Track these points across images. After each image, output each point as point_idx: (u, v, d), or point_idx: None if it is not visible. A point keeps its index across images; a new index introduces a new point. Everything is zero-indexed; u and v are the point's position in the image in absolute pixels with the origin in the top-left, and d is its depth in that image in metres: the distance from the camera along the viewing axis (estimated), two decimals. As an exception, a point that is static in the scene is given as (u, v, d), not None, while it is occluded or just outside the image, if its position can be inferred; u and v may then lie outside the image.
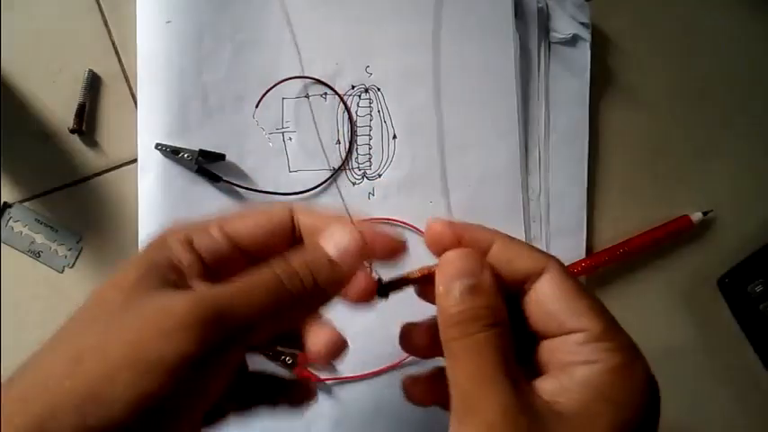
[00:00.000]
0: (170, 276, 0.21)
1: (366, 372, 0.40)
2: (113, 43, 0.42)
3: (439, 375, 0.25)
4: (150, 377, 0.18)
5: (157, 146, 0.40)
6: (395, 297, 0.26)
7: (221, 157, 0.40)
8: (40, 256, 0.41)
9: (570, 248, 0.43)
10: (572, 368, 0.21)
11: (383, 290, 0.25)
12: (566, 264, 0.42)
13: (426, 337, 0.25)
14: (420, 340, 0.25)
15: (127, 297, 0.20)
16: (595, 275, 0.43)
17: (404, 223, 0.42)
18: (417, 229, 0.41)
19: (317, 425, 0.40)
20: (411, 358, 0.40)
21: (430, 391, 0.26)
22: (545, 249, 0.43)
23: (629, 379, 0.21)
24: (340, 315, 0.41)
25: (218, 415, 0.26)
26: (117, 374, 0.18)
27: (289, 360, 0.39)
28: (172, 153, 0.40)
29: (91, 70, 0.41)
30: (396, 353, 0.40)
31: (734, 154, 0.45)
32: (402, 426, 0.41)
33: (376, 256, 0.24)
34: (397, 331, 0.26)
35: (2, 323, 0.40)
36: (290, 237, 0.24)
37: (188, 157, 0.39)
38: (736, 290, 0.43)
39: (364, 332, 0.41)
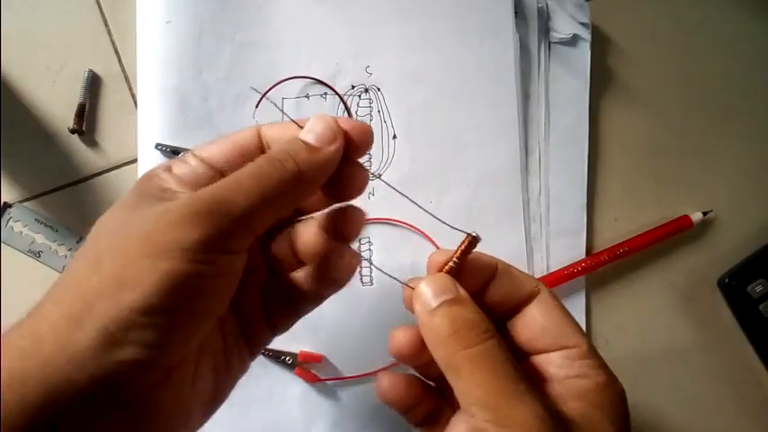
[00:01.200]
0: (165, 197, 0.23)
1: (366, 372, 0.40)
2: (113, 43, 0.42)
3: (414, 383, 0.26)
4: (168, 260, 0.20)
5: (157, 146, 0.40)
6: (394, 298, 0.26)
7: None
8: (40, 256, 0.41)
9: (570, 248, 0.43)
10: (569, 381, 0.24)
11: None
12: (566, 264, 0.42)
13: (414, 345, 0.25)
14: (408, 348, 0.26)
15: (131, 211, 0.22)
16: (595, 275, 0.43)
17: (404, 223, 0.42)
18: (418, 230, 0.41)
19: (317, 425, 0.40)
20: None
21: (406, 396, 0.27)
22: (545, 249, 0.43)
23: (615, 394, 0.24)
24: (340, 316, 0.41)
25: (268, 329, 0.28)
26: (138, 262, 0.20)
27: (288, 360, 0.39)
28: (172, 153, 0.40)
29: (91, 70, 0.41)
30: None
31: (734, 154, 0.45)
32: (401, 426, 0.41)
33: (349, 140, 0.25)
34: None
35: (2, 323, 0.40)
36: (259, 149, 0.26)
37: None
38: (736, 290, 0.43)
39: (364, 332, 0.41)
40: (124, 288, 0.20)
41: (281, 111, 0.42)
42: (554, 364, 0.24)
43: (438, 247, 0.41)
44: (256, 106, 0.41)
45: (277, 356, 0.39)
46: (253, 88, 0.41)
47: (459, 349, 0.22)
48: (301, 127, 0.25)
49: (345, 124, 0.25)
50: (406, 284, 0.25)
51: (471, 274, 0.25)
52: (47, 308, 0.22)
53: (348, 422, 0.41)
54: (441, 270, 0.25)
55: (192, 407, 0.23)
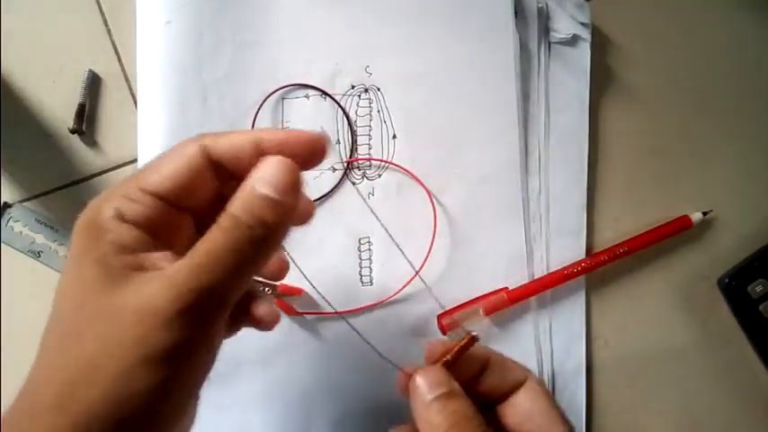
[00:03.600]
0: (125, 260, 0.21)
1: (348, 309, 0.41)
2: (113, 43, 0.42)
3: None
4: (164, 366, 0.20)
5: None
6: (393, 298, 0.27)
7: None
8: (40, 256, 0.41)
9: (570, 248, 0.43)
10: None
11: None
12: (566, 264, 0.42)
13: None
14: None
15: (100, 299, 0.21)
16: (595, 275, 0.43)
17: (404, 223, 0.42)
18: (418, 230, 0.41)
19: (318, 424, 0.41)
20: (391, 298, 0.41)
21: None
22: (545, 249, 0.43)
23: None
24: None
25: None
26: (136, 372, 0.20)
27: (268, 291, 0.38)
28: None
29: (91, 70, 0.41)
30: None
31: (734, 154, 0.45)
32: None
33: (307, 163, 0.24)
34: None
35: (2, 323, 0.40)
36: (210, 169, 0.24)
37: None
38: (736, 290, 0.43)
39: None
40: (122, 403, 0.20)
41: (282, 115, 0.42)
42: None
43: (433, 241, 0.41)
44: (257, 112, 0.41)
45: (256, 286, 0.39)
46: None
47: None
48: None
49: (289, 139, 0.23)
50: (402, 369, 0.27)
51: (466, 365, 0.27)
52: (52, 416, 0.21)
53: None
54: (437, 361, 0.27)
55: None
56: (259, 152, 0.23)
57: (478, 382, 0.28)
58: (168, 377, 0.20)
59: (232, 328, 0.27)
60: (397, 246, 0.41)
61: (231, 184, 0.23)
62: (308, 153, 0.24)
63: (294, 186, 0.22)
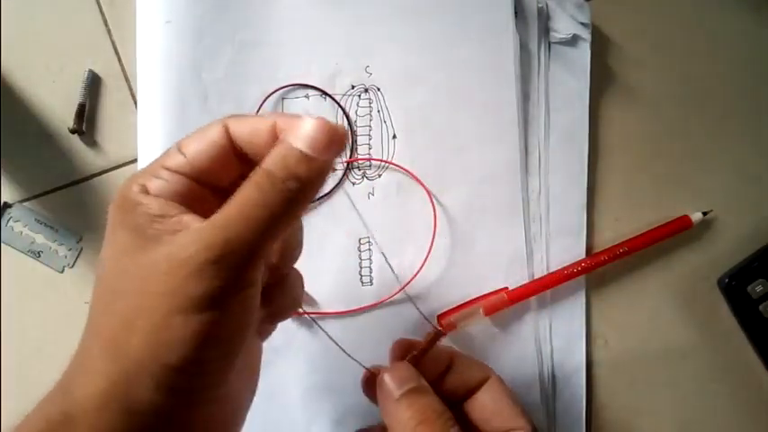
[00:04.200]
0: (157, 227, 0.22)
1: (349, 309, 0.41)
2: (113, 43, 0.42)
3: None
4: (198, 313, 0.20)
5: None
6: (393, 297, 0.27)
7: None
8: (40, 256, 0.41)
9: (570, 248, 0.43)
10: None
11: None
12: (566, 264, 0.42)
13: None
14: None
15: (136, 256, 0.21)
16: (595, 275, 0.43)
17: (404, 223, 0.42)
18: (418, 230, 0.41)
19: (319, 424, 0.40)
20: (391, 298, 0.41)
21: None
22: (545, 249, 0.43)
23: None
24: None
25: None
26: (170, 320, 0.20)
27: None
28: None
29: (91, 70, 0.41)
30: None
31: (734, 154, 0.45)
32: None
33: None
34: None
35: (2, 323, 0.40)
36: (231, 148, 0.24)
37: None
38: (736, 290, 0.43)
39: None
40: (164, 346, 0.20)
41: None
42: None
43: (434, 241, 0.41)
44: (257, 112, 0.41)
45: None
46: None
47: None
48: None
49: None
50: (368, 369, 0.27)
51: (431, 364, 0.28)
52: (79, 382, 0.22)
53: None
54: (403, 358, 0.27)
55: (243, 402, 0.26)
56: (276, 137, 0.23)
57: (443, 381, 0.28)
58: (204, 326, 0.20)
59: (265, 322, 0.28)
60: (384, 255, 0.41)
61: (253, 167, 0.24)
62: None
63: (329, 146, 0.22)
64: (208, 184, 0.24)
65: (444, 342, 0.41)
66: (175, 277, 0.20)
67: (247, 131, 0.24)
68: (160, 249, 0.21)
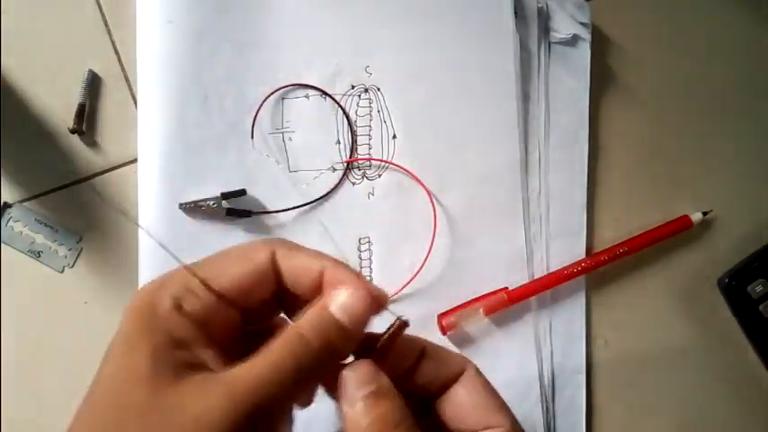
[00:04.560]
0: (179, 356, 0.21)
1: None
2: (113, 43, 0.42)
3: None
4: None
5: (181, 206, 0.40)
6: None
7: (242, 192, 0.40)
8: (40, 256, 0.41)
9: (570, 248, 0.43)
10: None
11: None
12: (566, 264, 0.42)
13: None
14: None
15: (150, 392, 0.20)
16: (595, 275, 0.43)
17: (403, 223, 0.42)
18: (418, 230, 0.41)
19: (319, 424, 0.41)
20: (391, 298, 0.40)
21: None
22: (545, 249, 0.43)
23: None
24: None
25: None
26: None
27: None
28: (196, 207, 0.40)
29: (91, 70, 0.41)
30: None
31: (734, 154, 0.45)
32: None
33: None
34: None
35: (2, 323, 0.40)
36: (274, 279, 0.24)
37: (213, 204, 0.40)
38: (736, 290, 0.43)
39: None
40: None
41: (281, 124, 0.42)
42: None
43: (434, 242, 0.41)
44: (256, 113, 0.41)
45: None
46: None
47: None
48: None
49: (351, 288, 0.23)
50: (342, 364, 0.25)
51: (399, 356, 0.25)
52: None
53: None
54: (365, 352, 0.24)
55: None
56: (321, 281, 0.23)
57: (413, 375, 0.26)
58: None
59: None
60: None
61: (286, 290, 0.24)
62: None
63: (366, 317, 0.23)
64: (239, 306, 0.23)
65: (445, 342, 0.41)
66: None
67: (295, 269, 0.24)
68: (183, 398, 0.20)
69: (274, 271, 0.23)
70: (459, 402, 0.26)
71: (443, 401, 0.26)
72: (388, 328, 0.24)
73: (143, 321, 0.21)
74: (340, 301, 0.22)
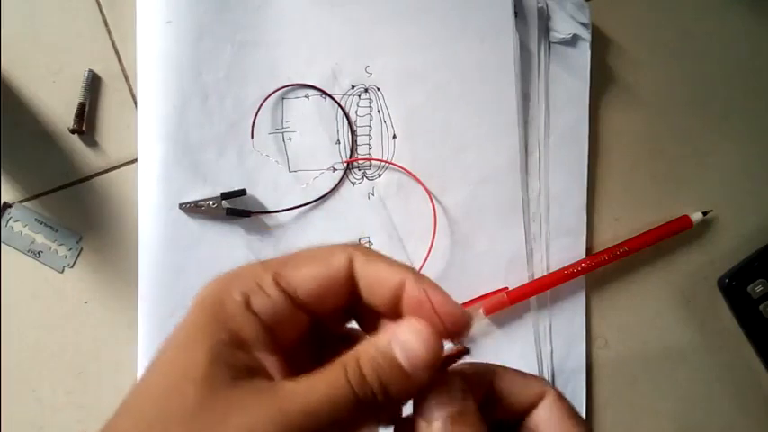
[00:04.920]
0: (239, 358, 0.20)
1: None
2: (113, 43, 0.42)
3: None
4: None
5: (181, 206, 0.40)
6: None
7: (242, 192, 0.40)
8: (40, 256, 0.41)
9: (570, 248, 0.43)
10: None
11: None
12: (566, 264, 0.42)
13: None
14: None
15: (202, 393, 0.19)
16: (595, 275, 0.43)
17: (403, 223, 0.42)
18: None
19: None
20: None
21: None
22: (545, 249, 0.43)
23: None
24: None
25: None
26: None
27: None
28: (196, 207, 0.40)
29: (91, 70, 0.41)
30: None
31: (734, 154, 0.45)
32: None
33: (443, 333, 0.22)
34: None
35: (2, 323, 0.40)
36: (349, 286, 0.22)
37: (213, 204, 0.40)
38: (736, 290, 0.43)
39: None
40: None
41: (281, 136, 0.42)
42: None
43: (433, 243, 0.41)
44: (256, 113, 0.41)
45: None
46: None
47: None
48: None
49: (439, 305, 0.21)
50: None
51: (467, 382, 0.23)
52: None
53: None
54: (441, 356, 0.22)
55: None
56: (400, 294, 0.21)
57: (486, 404, 0.23)
58: None
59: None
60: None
61: (361, 298, 0.22)
62: (448, 326, 0.21)
63: (430, 363, 0.20)
64: (310, 311, 0.22)
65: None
66: None
67: (373, 278, 0.22)
68: (233, 405, 0.19)
69: (350, 277, 0.22)
70: (540, 427, 0.23)
71: (524, 429, 0.24)
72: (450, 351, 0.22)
73: (208, 315, 0.20)
74: (401, 337, 0.20)
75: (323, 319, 0.22)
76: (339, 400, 0.19)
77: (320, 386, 0.19)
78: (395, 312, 0.22)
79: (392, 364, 0.19)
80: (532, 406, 0.24)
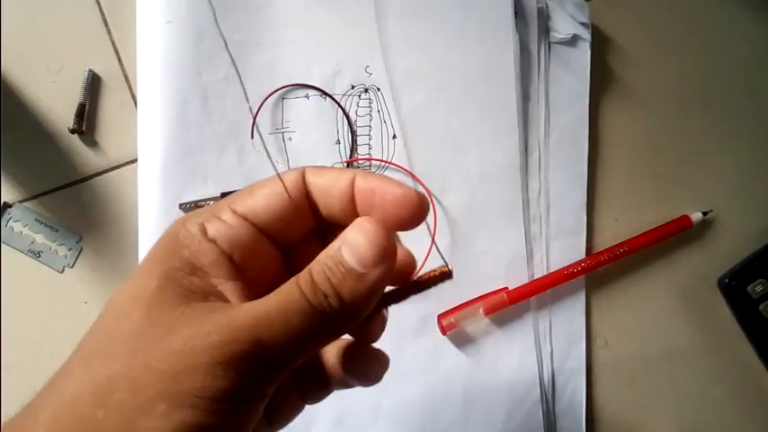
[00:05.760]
0: (193, 282, 0.20)
1: None
2: (113, 43, 0.42)
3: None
4: (187, 410, 0.17)
5: (181, 206, 0.40)
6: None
7: None
8: (40, 256, 0.41)
9: (570, 248, 0.43)
10: None
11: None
12: (566, 264, 0.42)
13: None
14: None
15: (149, 313, 0.19)
16: (595, 275, 0.43)
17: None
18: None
19: (318, 425, 0.40)
20: None
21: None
22: (545, 249, 0.43)
23: None
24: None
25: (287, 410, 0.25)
26: (152, 406, 0.17)
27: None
28: (196, 207, 0.40)
29: (91, 70, 0.41)
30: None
31: (734, 154, 0.45)
32: (402, 424, 0.41)
33: (398, 224, 0.21)
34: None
35: (2, 323, 0.40)
36: (307, 202, 0.22)
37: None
38: (736, 290, 0.43)
39: None
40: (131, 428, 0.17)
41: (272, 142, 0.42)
42: None
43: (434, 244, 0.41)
44: (256, 113, 0.41)
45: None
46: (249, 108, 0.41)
47: None
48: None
49: (389, 193, 0.20)
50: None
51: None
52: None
53: (349, 420, 0.41)
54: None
55: None
56: (353, 195, 0.21)
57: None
58: (184, 427, 0.17)
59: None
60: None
61: (329, 223, 0.22)
62: (401, 211, 0.21)
63: (380, 259, 0.19)
64: (275, 238, 0.22)
65: (445, 343, 0.41)
66: (179, 359, 0.18)
67: (325, 186, 0.21)
68: (180, 320, 0.18)
69: (305, 195, 0.22)
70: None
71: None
72: (432, 271, 0.22)
73: (162, 247, 0.20)
74: (348, 239, 0.19)
75: (296, 251, 0.22)
76: (291, 310, 0.18)
77: (272, 299, 0.19)
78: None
79: (341, 266, 0.19)
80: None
